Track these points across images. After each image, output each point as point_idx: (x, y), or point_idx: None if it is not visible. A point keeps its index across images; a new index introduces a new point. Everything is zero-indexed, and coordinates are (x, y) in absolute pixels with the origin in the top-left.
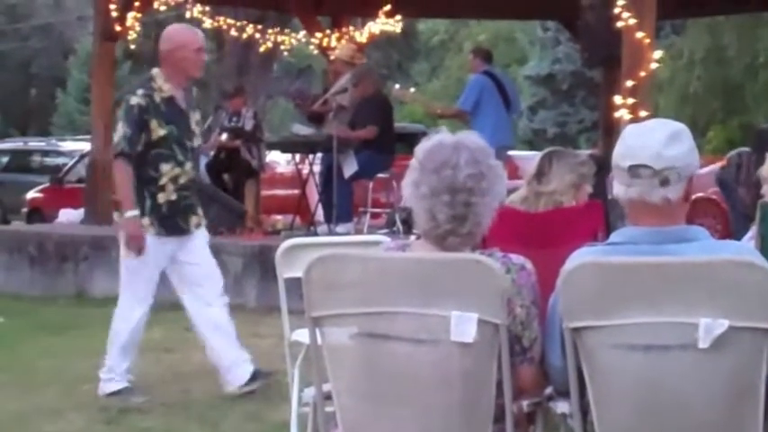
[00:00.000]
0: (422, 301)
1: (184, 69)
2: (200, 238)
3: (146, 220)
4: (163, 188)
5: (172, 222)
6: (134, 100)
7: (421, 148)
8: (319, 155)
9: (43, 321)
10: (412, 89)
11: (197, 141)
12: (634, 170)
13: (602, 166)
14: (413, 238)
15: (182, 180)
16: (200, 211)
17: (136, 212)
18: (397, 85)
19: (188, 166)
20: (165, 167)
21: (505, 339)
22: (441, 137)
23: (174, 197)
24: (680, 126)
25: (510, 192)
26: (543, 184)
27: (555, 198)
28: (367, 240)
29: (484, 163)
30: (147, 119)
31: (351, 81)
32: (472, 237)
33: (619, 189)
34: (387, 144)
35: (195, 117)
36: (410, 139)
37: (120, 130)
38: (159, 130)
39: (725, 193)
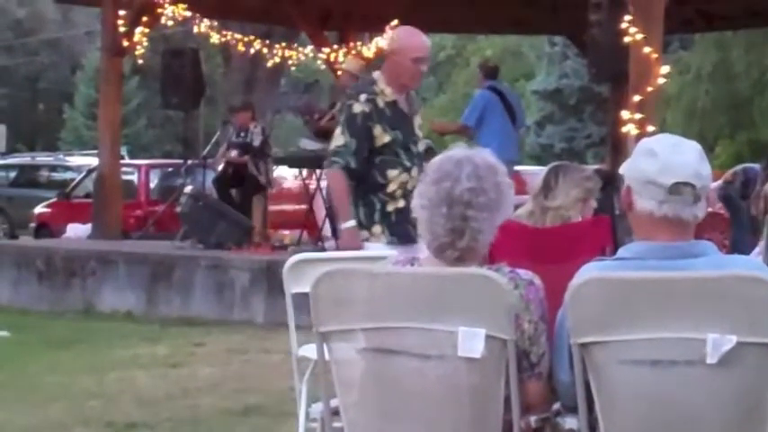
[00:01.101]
0: (429, 316)
1: (398, 76)
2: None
3: (377, 228)
4: (392, 195)
5: (402, 230)
6: (357, 107)
7: (432, 161)
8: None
9: (50, 336)
10: None
11: (421, 146)
12: (676, 187)
13: (610, 181)
14: (428, 252)
15: (410, 186)
16: None
17: (352, 223)
18: None
19: (414, 171)
20: (393, 173)
21: (513, 355)
22: (453, 151)
23: (401, 204)
24: (696, 143)
25: (517, 207)
26: (549, 199)
27: (561, 213)
28: (375, 255)
29: (488, 179)
30: (371, 125)
31: None
32: (471, 251)
33: (648, 205)
34: None
35: (418, 121)
36: None
37: (341, 139)
38: (384, 137)
39: (729, 208)
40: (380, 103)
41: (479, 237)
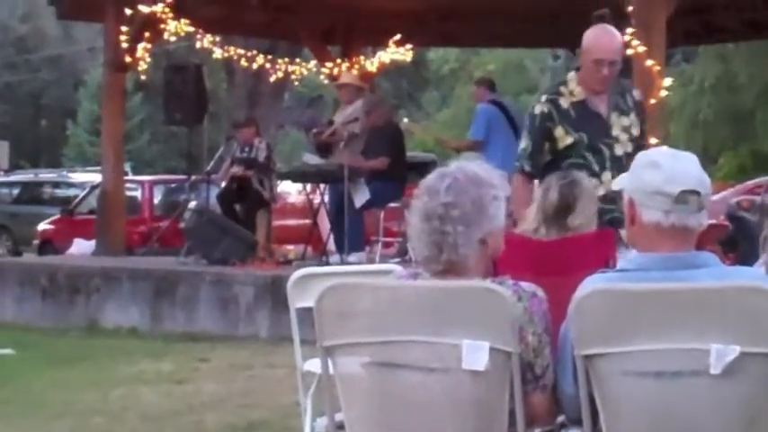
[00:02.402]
0: (433, 329)
1: (584, 76)
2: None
3: None
4: None
5: None
6: (537, 108)
7: (426, 177)
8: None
9: (55, 353)
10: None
11: (621, 149)
12: (683, 196)
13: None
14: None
15: (599, 192)
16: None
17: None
18: (406, 119)
19: (606, 176)
20: None
21: (517, 367)
22: (447, 166)
23: None
24: (692, 154)
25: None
26: (570, 219)
27: (581, 230)
28: (379, 269)
29: (468, 193)
30: (551, 126)
31: (363, 109)
32: (456, 264)
33: (654, 215)
34: (398, 173)
35: (623, 121)
36: (421, 169)
37: (522, 143)
38: (566, 138)
39: (740, 232)
40: (564, 103)
41: (459, 250)
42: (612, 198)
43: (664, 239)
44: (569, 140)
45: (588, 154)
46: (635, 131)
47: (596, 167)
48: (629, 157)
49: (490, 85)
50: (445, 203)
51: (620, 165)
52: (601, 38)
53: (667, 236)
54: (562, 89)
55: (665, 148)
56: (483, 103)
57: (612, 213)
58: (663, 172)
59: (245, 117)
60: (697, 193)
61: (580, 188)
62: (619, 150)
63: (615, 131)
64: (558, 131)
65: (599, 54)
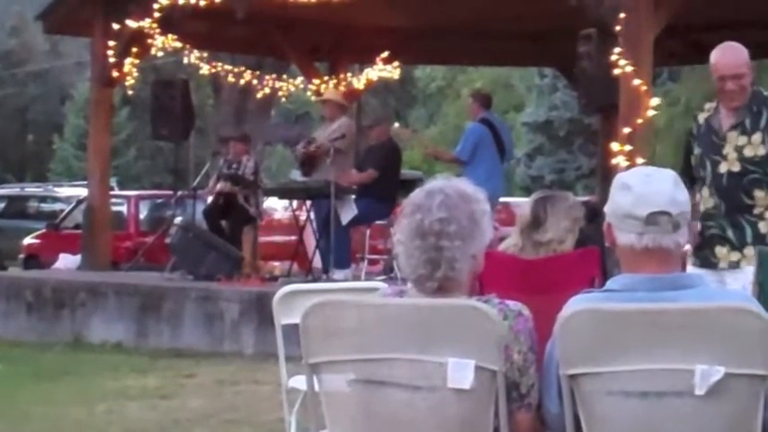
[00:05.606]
0: (419, 347)
1: (718, 94)
2: (737, 278)
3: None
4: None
5: (701, 253)
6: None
7: (409, 195)
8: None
9: (40, 368)
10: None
11: (725, 167)
12: (652, 218)
13: (599, 213)
14: (410, 284)
15: (699, 207)
16: (737, 244)
17: None
18: (397, 124)
19: (704, 192)
20: (698, 193)
21: (503, 386)
22: (430, 183)
23: (698, 227)
24: (672, 171)
25: (505, 238)
26: (540, 233)
27: (554, 247)
28: (364, 287)
29: (460, 208)
30: (691, 141)
31: (367, 122)
32: (451, 281)
33: (628, 238)
34: (389, 192)
35: (739, 140)
36: (408, 186)
37: None
38: (694, 151)
39: None
40: (701, 118)
41: (456, 265)
42: (710, 215)
43: (643, 261)
44: (694, 153)
45: (701, 169)
46: (750, 151)
47: (702, 183)
48: (733, 176)
49: (485, 101)
50: (441, 219)
51: (720, 183)
52: (723, 57)
53: (644, 258)
54: (707, 105)
55: (642, 167)
56: (474, 122)
57: (710, 230)
58: (633, 194)
59: (238, 133)
60: (667, 213)
61: (553, 204)
62: (722, 168)
63: (726, 149)
64: (694, 145)
65: (721, 71)
